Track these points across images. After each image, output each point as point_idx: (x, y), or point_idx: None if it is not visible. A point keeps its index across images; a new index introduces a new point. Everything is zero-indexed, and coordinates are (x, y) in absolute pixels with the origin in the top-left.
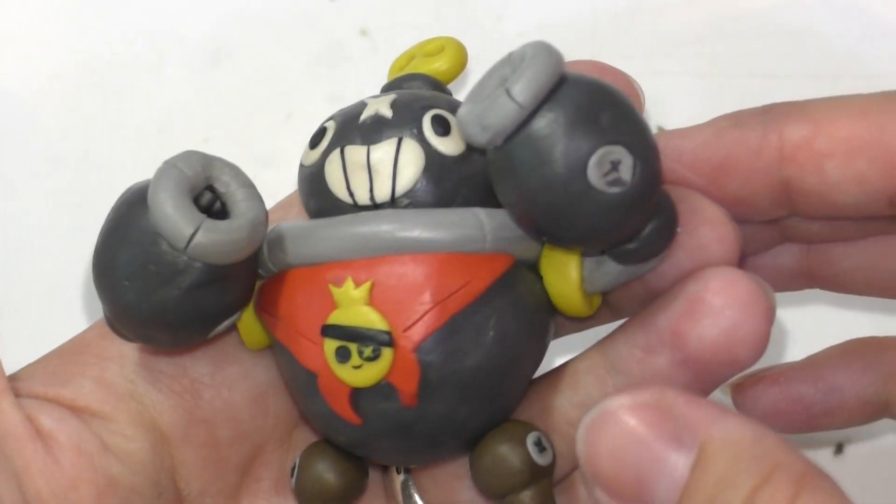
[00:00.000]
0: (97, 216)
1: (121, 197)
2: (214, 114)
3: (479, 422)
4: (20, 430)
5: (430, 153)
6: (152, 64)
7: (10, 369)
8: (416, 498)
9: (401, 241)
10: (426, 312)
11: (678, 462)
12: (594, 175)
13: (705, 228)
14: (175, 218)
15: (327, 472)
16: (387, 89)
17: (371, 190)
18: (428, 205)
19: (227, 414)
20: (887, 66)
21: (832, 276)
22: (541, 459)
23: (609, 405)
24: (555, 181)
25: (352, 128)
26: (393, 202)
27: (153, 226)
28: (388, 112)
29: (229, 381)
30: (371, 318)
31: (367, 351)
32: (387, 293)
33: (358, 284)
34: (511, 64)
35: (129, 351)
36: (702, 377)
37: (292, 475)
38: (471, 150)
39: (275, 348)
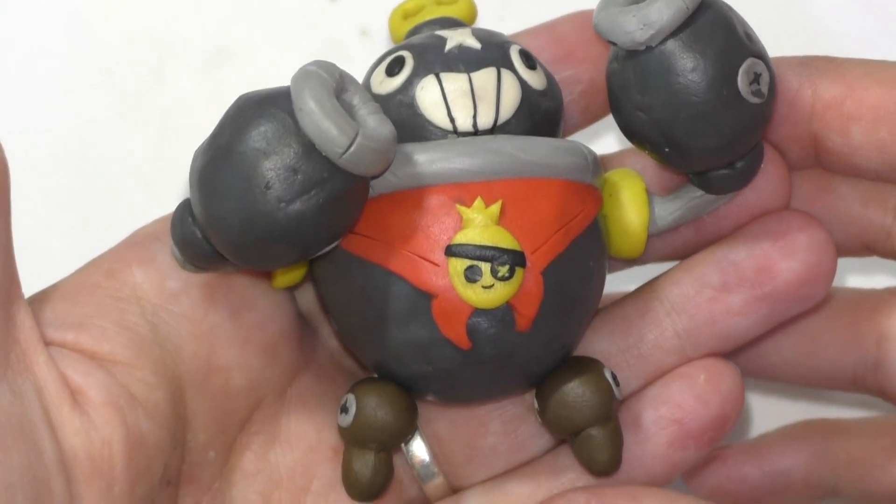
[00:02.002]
0: (98, 216)
1: (244, 104)
2: (215, 114)
3: (560, 354)
4: (55, 388)
5: (524, 85)
6: (153, 64)
7: None
8: (418, 438)
9: (523, 165)
10: (552, 235)
11: None
12: (742, 83)
13: (769, 166)
14: (332, 126)
15: (393, 411)
16: (413, 34)
17: (475, 116)
18: (522, 135)
19: (242, 362)
20: None
21: (761, 368)
22: (618, 393)
23: None
24: (707, 84)
25: (437, 57)
26: (492, 130)
27: (305, 133)
28: (475, 43)
29: (247, 327)
30: (506, 237)
31: (503, 270)
32: (514, 214)
33: (487, 204)
34: None
35: (143, 292)
36: (774, 313)
37: (344, 412)
38: (550, 85)
39: (350, 276)
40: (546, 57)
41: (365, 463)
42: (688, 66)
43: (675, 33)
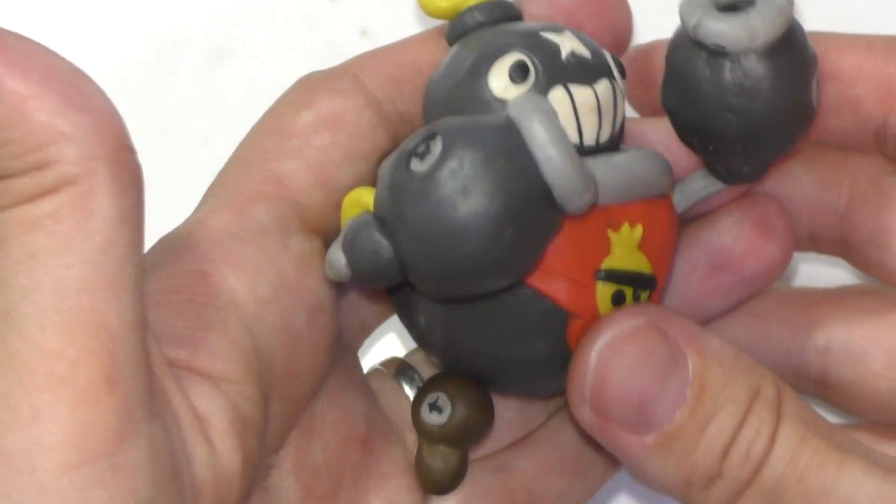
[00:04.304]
0: None
1: (468, 135)
2: (214, 114)
3: None
4: (188, 419)
5: (622, 95)
6: (152, 64)
7: None
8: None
9: (648, 185)
10: (671, 256)
11: (675, 382)
12: (814, 89)
13: None
14: (580, 181)
15: (484, 413)
16: (461, 26)
17: (598, 131)
18: (615, 148)
19: (313, 367)
20: None
21: None
22: None
23: (617, 330)
24: (801, 90)
25: (558, 66)
26: (607, 145)
27: (545, 179)
28: (585, 51)
29: (318, 331)
30: (645, 263)
31: (644, 295)
32: (647, 237)
33: (632, 228)
34: None
35: (239, 299)
36: (746, 292)
37: (437, 411)
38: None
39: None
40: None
41: (445, 461)
42: (787, 72)
43: (778, 40)
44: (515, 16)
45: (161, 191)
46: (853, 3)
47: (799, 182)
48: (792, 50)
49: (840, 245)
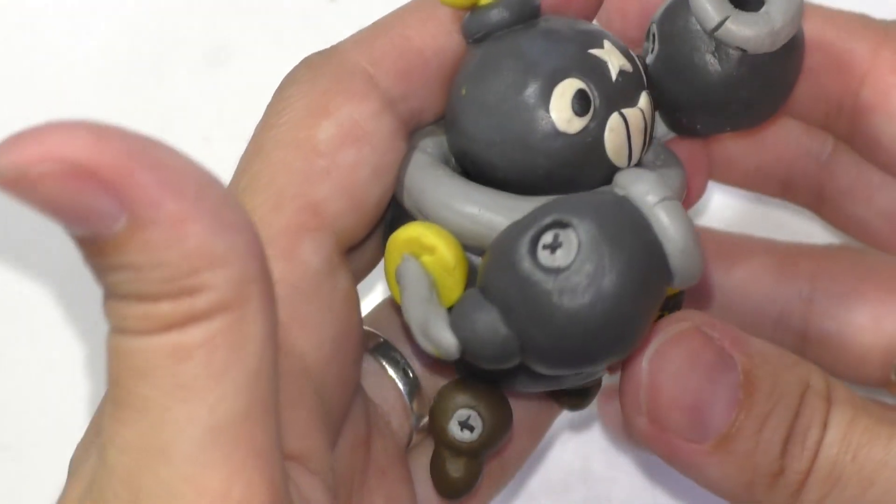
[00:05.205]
0: None
1: (614, 231)
2: (214, 114)
3: None
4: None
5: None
6: (152, 64)
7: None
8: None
9: (681, 199)
10: None
11: (725, 384)
12: None
13: None
14: (700, 267)
15: (509, 424)
16: (486, 23)
17: (643, 151)
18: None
19: (350, 402)
20: None
21: (697, 293)
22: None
23: (664, 336)
24: (796, 77)
25: (611, 89)
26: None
27: (667, 262)
28: (627, 65)
29: (357, 369)
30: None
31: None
32: None
33: None
34: None
35: (310, 362)
36: None
37: (468, 429)
38: None
39: None
40: (545, 3)
41: (468, 471)
42: (791, 65)
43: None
44: (537, 10)
45: None
46: None
47: (785, 123)
48: (797, 42)
49: (814, 196)
